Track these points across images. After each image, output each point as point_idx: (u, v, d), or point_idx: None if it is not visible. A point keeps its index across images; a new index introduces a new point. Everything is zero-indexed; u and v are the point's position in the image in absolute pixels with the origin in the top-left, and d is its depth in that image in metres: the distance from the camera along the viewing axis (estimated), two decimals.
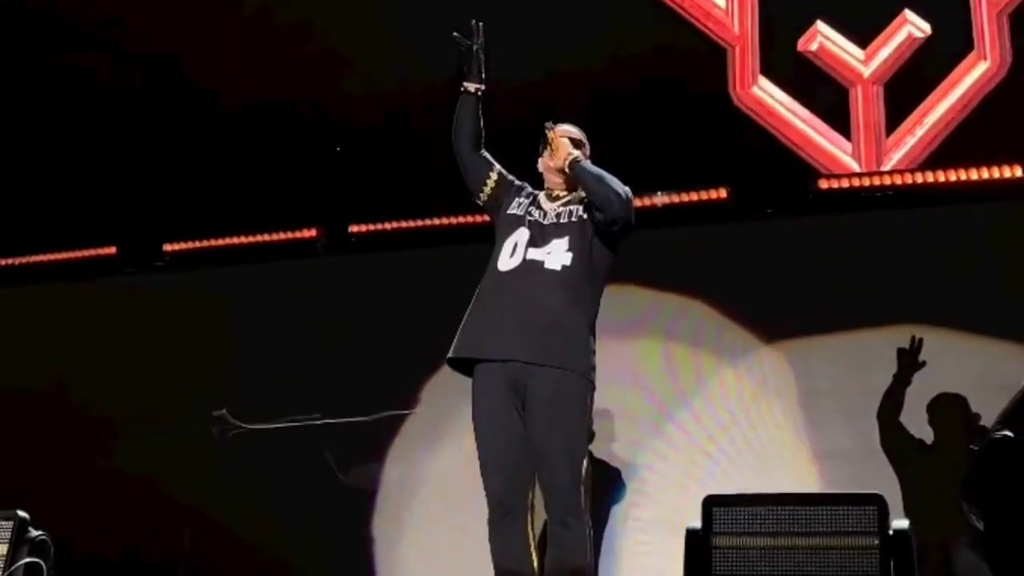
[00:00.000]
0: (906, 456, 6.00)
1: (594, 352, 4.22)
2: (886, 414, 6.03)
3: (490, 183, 4.41)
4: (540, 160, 4.44)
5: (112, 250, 7.72)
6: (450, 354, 4.27)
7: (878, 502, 3.74)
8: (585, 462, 4.14)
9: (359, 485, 6.91)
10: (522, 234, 4.29)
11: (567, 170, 4.32)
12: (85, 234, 7.73)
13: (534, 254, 4.23)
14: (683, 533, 6.11)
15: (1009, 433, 3.31)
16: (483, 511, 4.20)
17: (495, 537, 4.14)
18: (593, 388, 4.21)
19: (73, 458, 7.32)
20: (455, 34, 4.38)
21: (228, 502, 6.90)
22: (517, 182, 4.45)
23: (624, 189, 4.24)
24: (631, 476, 6.38)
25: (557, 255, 4.22)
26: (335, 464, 6.89)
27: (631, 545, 6.33)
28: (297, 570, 6.75)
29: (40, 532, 5.17)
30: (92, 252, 7.75)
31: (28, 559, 5.05)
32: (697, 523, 3.86)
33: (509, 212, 4.37)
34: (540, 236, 4.27)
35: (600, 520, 6.02)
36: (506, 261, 4.27)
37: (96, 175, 7.67)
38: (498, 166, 4.42)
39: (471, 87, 4.39)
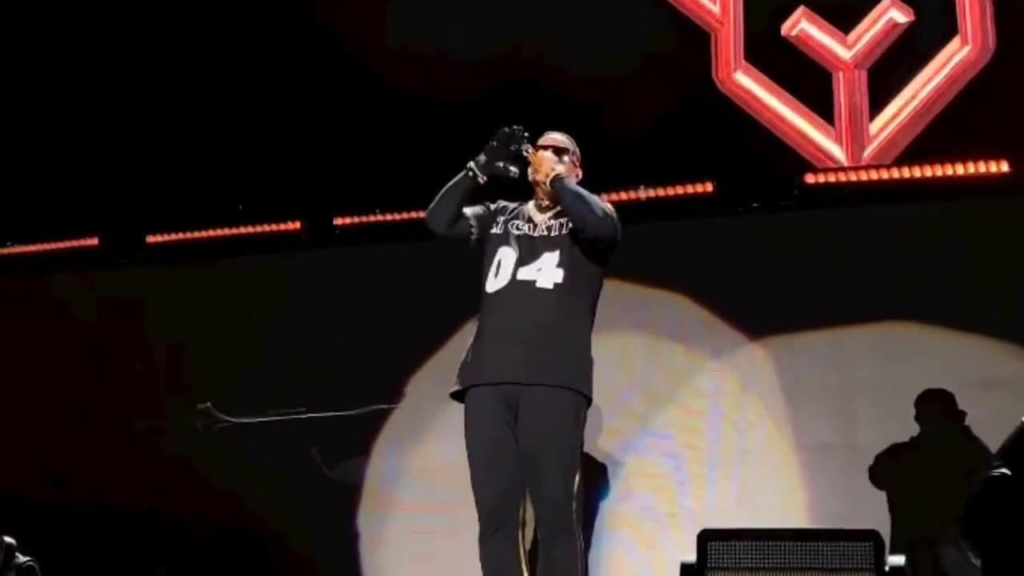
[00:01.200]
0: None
1: (590, 365, 4.21)
2: None
3: (474, 230, 4.38)
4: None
5: (95, 241, 7.68)
6: (452, 389, 4.26)
7: (874, 538, 3.76)
8: (577, 477, 4.13)
9: (344, 479, 6.90)
10: (506, 253, 4.28)
11: (547, 187, 4.31)
12: (68, 224, 7.69)
13: (524, 273, 4.21)
14: (665, 528, 6.22)
15: (1007, 471, 3.30)
16: (468, 505, 4.21)
17: (486, 552, 4.14)
18: (588, 402, 4.20)
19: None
20: (511, 141, 4.32)
21: (212, 495, 6.88)
22: (492, 206, 4.43)
23: (603, 208, 4.23)
24: (615, 471, 6.38)
25: (548, 272, 4.20)
26: (320, 458, 6.88)
27: (613, 539, 6.33)
28: (282, 564, 6.74)
29: (27, 558, 5.13)
30: (75, 243, 7.70)
31: None
32: (691, 556, 3.87)
33: (492, 233, 4.36)
34: (530, 251, 4.25)
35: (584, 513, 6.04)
36: (492, 282, 4.26)
37: (79, 165, 7.63)
38: (470, 210, 4.38)
39: (481, 177, 4.33)
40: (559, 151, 4.40)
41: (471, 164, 4.33)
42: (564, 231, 4.27)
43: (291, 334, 7.02)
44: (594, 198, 4.24)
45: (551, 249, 4.24)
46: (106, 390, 7.37)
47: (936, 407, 6.00)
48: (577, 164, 4.48)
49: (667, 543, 6.15)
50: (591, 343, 4.24)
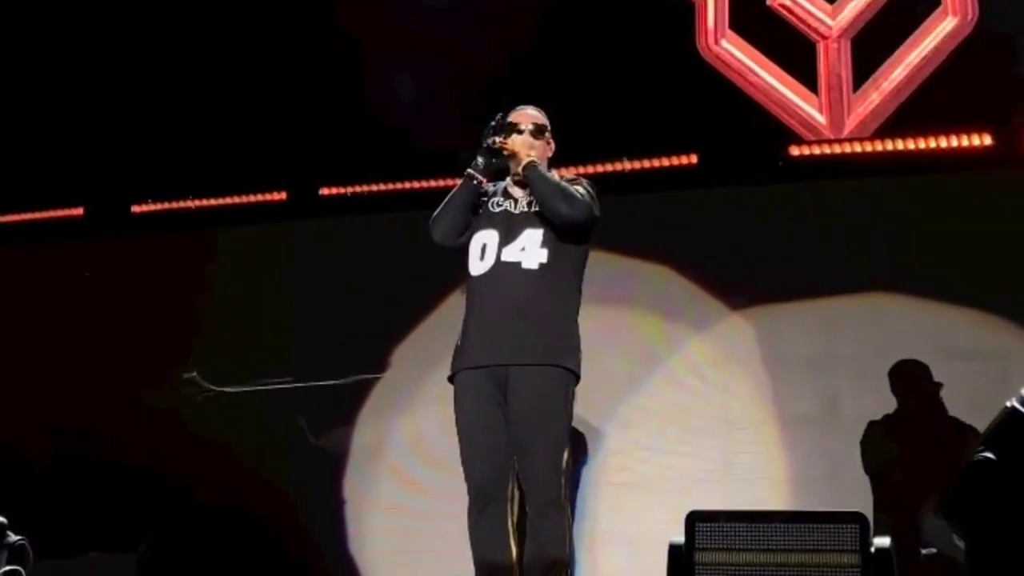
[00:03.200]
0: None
1: (578, 343, 4.22)
2: None
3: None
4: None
5: (79, 211, 7.66)
6: (449, 374, 4.27)
7: (860, 520, 3.80)
8: (566, 454, 4.14)
9: (330, 448, 6.93)
10: (490, 235, 4.25)
11: (521, 171, 4.27)
12: (53, 195, 7.67)
13: (508, 254, 4.19)
14: (650, 501, 6.26)
15: (991, 455, 3.34)
16: (455, 475, 4.24)
17: (475, 527, 4.16)
18: (577, 379, 4.21)
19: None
20: (493, 137, 4.28)
21: (199, 464, 6.90)
22: (482, 197, 4.38)
23: (576, 191, 4.20)
24: (599, 443, 6.42)
25: (532, 252, 4.18)
26: (306, 427, 6.90)
27: (599, 512, 6.37)
28: (269, 531, 6.76)
29: (19, 537, 5.13)
30: (60, 213, 7.68)
31: (7, 567, 5.01)
32: (679, 537, 3.90)
33: (478, 216, 4.33)
34: (511, 230, 4.22)
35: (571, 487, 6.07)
36: (476, 264, 4.24)
37: (64, 135, 7.60)
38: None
39: (480, 177, 4.30)
40: (539, 129, 4.39)
41: (469, 170, 4.28)
42: None
43: (277, 304, 7.02)
44: (566, 188, 4.21)
45: (533, 226, 4.22)
46: (91, 360, 7.36)
47: (919, 379, 6.03)
48: (550, 139, 4.46)
49: (651, 515, 6.18)
50: (578, 321, 4.24)
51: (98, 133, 7.56)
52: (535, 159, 4.29)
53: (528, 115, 4.39)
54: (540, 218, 4.23)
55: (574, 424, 6.08)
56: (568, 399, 4.19)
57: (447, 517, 5.82)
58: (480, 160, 4.28)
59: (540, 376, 4.11)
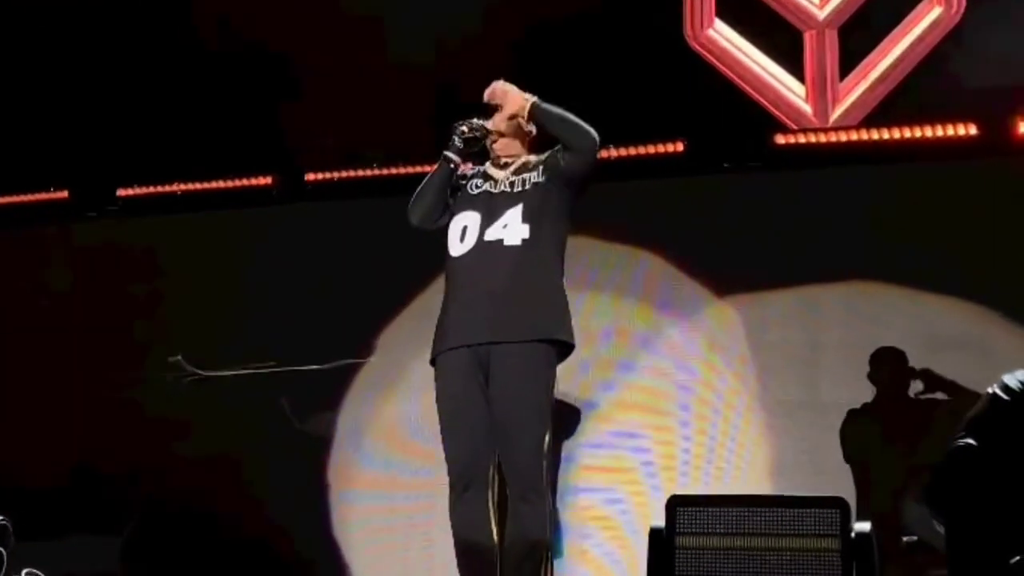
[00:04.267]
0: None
1: (564, 311, 4.20)
2: None
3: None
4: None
5: (64, 194, 7.64)
6: (431, 357, 4.27)
7: (841, 505, 3.82)
8: (547, 437, 4.14)
9: (314, 433, 6.93)
10: (471, 217, 4.24)
11: (527, 117, 4.25)
12: (37, 177, 7.65)
13: (491, 234, 4.18)
14: (632, 485, 6.28)
15: (972, 441, 3.35)
16: (437, 461, 4.24)
17: (456, 510, 4.16)
18: (570, 348, 4.21)
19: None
20: (475, 122, 4.30)
21: (183, 448, 6.90)
22: (461, 180, 4.39)
23: (583, 124, 4.21)
24: (582, 428, 6.43)
25: (514, 228, 4.17)
26: (290, 411, 6.90)
27: (580, 496, 6.39)
28: (251, 516, 6.77)
29: (1, 518, 5.12)
30: (44, 196, 7.66)
31: None
32: (660, 521, 3.92)
33: (457, 199, 4.34)
34: (492, 210, 4.21)
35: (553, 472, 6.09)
36: (456, 246, 4.23)
37: (49, 118, 7.57)
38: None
39: (456, 159, 4.31)
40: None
41: (446, 152, 4.29)
42: (527, 186, 4.24)
43: (262, 288, 7.01)
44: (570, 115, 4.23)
45: (514, 204, 4.21)
46: (77, 344, 7.35)
47: (903, 367, 6.06)
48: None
49: (633, 500, 6.24)
50: (564, 290, 4.23)
51: (84, 116, 7.52)
52: (535, 99, 4.26)
53: (498, 86, 4.39)
54: (521, 197, 4.23)
55: (559, 412, 6.19)
56: (551, 378, 4.18)
57: (430, 501, 5.88)
58: (456, 141, 4.29)
59: (522, 355, 4.09)
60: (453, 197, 4.33)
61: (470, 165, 4.46)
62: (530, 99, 4.27)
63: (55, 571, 5.35)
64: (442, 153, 4.31)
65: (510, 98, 4.30)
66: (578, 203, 4.30)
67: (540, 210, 4.20)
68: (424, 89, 6.78)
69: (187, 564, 6.74)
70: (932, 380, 5.98)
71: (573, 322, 4.24)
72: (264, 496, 6.77)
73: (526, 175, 4.28)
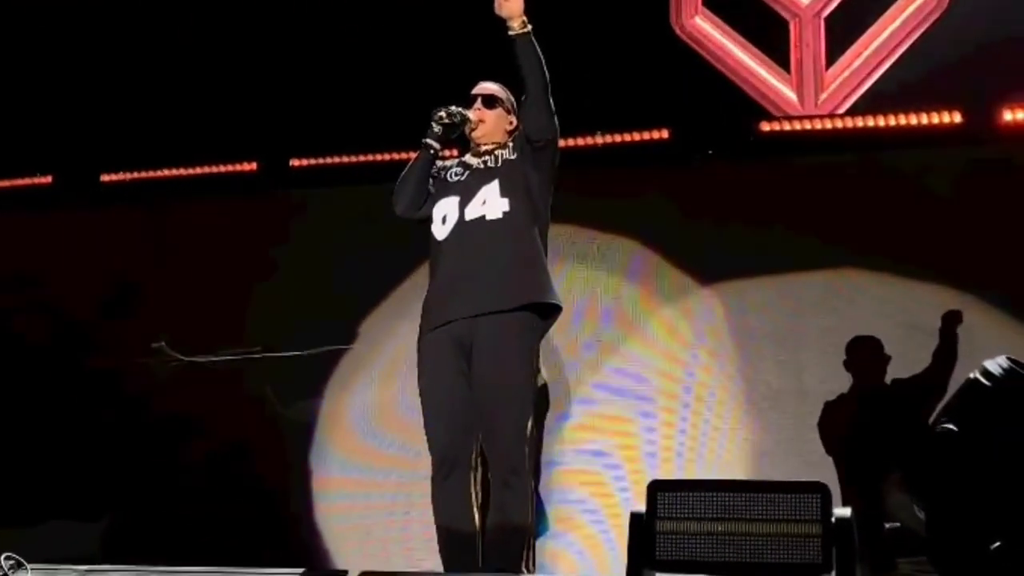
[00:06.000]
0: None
1: (547, 275, 4.22)
2: None
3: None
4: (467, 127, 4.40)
5: (48, 180, 7.60)
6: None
7: (822, 490, 3.82)
8: (530, 422, 4.16)
9: (297, 418, 6.92)
10: (450, 201, 4.27)
11: (517, 27, 4.22)
12: (20, 163, 7.61)
13: (471, 212, 4.21)
14: (614, 471, 6.29)
15: (952, 427, 3.37)
16: (420, 445, 4.24)
17: (438, 494, 4.18)
18: (557, 310, 4.22)
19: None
20: (453, 109, 4.32)
21: (167, 433, 6.89)
22: (440, 172, 4.42)
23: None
24: (564, 416, 6.42)
25: (493, 203, 4.20)
26: (274, 397, 6.89)
27: (563, 482, 6.39)
28: (233, 502, 6.76)
29: None
30: (27, 181, 7.62)
31: None
32: (641, 507, 3.93)
33: (436, 188, 4.36)
34: (469, 189, 4.24)
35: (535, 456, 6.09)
36: (439, 229, 4.26)
37: (32, 103, 7.53)
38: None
39: (436, 145, 4.33)
40: (490, 99, 4.40)
41: (425, 139, 4.32)
42: (500, 163, 4.28)
43: (246, 274, 7.00)
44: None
45: (489, 180, 4.25)
46: (59, 329, 7.33)
47: (885, 355, 6.07)
48: (511, 112, 4.47)
49: (616, 486, 6.24)
50: (545, 258, 4.24)
51: (67, 102, 7.48)
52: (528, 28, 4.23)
53: (484, 86, 4.45)
54: (495, 172, 4.27)
55: (543, 398, 6.20)
56: (535, 344, 4.20)
57: (413, 485, 5.87)
58: (435, 127, 4.30)
59: (505, 327, 4.10)
60: (434, 186, 4.34)
61: (455, 152, 4.46)
62: (527, 26, 4.25)
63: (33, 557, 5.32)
64: (422, 140, 4.32)
65: (515, 3, 4.25)
66: (554, 184, 4.33)
67: (516, 184, 4.24)
68: (408, 75, 6.76)
69: (167, 549, 6.72)
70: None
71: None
72: (245, 483, 6.76)
73: (500, 152, 4.33)
